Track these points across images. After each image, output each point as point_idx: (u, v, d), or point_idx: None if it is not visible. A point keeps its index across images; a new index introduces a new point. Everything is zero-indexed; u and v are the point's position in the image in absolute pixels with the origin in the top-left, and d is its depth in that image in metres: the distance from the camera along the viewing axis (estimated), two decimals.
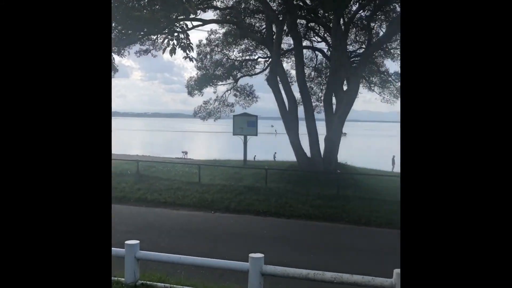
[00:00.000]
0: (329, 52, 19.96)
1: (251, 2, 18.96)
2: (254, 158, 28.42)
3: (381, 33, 18.79)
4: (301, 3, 17.54)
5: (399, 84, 20.71)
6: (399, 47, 19.82)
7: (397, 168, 31.90)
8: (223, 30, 20.55)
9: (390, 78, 21.19)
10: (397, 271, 4.16)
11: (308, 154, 17.27)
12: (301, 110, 17.67)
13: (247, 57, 21.57)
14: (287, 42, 20.30)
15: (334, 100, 18.21)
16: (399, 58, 20.02)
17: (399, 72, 20.55)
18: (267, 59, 20.51)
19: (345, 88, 17.96)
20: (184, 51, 4.65)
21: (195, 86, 21.03)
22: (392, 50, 20.31)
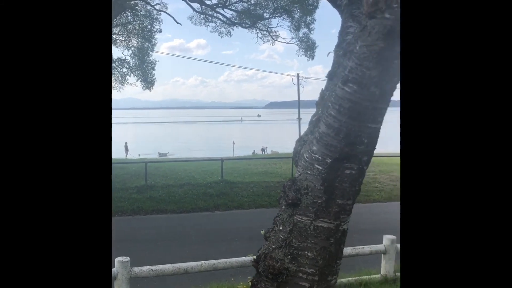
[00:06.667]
0: None
1: None
2: None
3: None
4: None
5: (123, 70, 20.60)
6: (121, 32, 19.60)
7: (130, 156, 32.51)
8: None
9: (114, 65, 20.77)
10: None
11: None
12: None
13: None
14: None
15: None
16: (122, 44, 19.81)
17: (125, 58, 20.50)
18: None
19: None
20: None
21: None
22: (114, 36, 19.89)
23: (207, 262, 5.07)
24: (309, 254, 2.10)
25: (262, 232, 2.29)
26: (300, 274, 2.11)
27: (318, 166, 2.07)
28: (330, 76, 2.16)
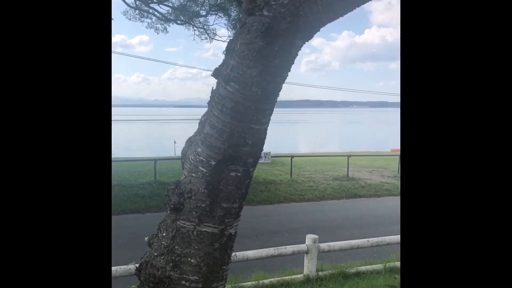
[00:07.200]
0: None
1: None
2: None
3: None
4: None
5: None
6: None
7: None
8: None
9: None
10: None
11: None
12: None
13: None
14: None
15: None
16: None
17: None
18: None
19: None
20: None
21: None
22: None
23: (122, 267, 4.86)
24: (192, 260, 2.00)
25: (146, 238, 2.16)
26: (183, 282, 2.01)
27: (202, 169, 1.97)
28: (215, 74, 2.07)
